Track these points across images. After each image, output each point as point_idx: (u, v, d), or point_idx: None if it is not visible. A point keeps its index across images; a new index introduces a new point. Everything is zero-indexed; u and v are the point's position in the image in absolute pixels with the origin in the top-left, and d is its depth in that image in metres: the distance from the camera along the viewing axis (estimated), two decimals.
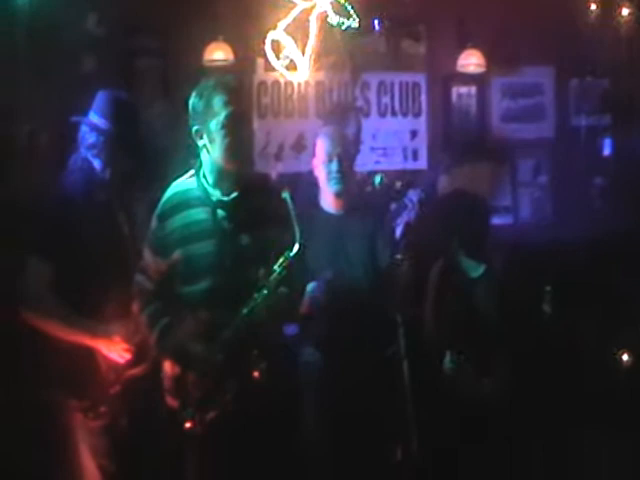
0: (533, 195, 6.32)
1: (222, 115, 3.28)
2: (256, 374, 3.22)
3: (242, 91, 3.50)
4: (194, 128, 3.35)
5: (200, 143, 3.36)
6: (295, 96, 5.96)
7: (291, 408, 3.53)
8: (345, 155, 4.15)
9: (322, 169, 4.15)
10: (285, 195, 3.29)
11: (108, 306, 3.57)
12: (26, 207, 3.86)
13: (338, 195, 4.12)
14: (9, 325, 3.66)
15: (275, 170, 5.74)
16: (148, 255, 3.48)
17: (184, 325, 3.35)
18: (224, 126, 3.28)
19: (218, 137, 3.30)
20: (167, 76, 5.64)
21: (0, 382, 3.96)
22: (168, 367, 3.43)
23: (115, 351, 3.56)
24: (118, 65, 5.38)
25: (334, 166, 4.09)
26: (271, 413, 3.29)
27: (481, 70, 6.11)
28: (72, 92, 4.62)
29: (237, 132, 3.31)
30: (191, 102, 3.36)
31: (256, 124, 5.81)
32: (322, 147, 4.18)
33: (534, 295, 4.55)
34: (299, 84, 5.88)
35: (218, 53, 5.65)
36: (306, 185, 4.48)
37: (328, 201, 4.18)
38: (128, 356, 3.57)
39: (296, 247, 3.24)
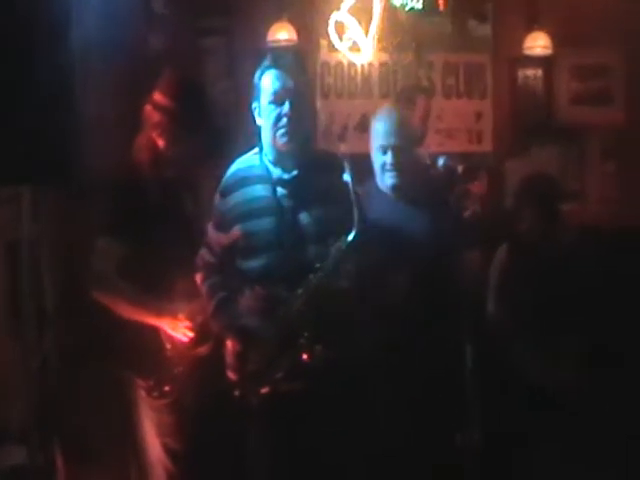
0: (602, 179, 6.16)
1: (271, 90, 3.27)
2: (305, 356, 3.19)
3: (297, 68, 3.43)
4: (253, 105, 3.38)
5: (258, 121, 3.38)
6: (358, 77, 5.91)
7: (352, 394, 3.42)
8: (404, 145, 3.93)
9: (375, 157, 3.98)
10: (347, 177, 3.22)
11: (173, 285, 3.59)
12: (95, 189, 3.85)
13: (393, 188, 3.96)
14: (83, 304, 3.66)
15: (339, 150, 5.52)
16: (211, 229, 3.51)
17: (241, 299, 3.37)
18: (272, 102, 3.28)
19: (266, 113, 3.31)
20: (232, 56, 5.61)
21: (76, 359, 4.00)
22: (230, 343, 3.45)
23: (179, 330, 3.57)
24: (184, 44, 5.38)
25: (389, 158, 3.92)
26: (327, 395, 3.28)
27: (548, 52, 5.98)
28: (138, 71, 4.63)
29: (287, 109, 3.28)
30: (254, 80, 3.39)
31: (319, 104, 5.80)
32: (376, 133, 3.98)
33: (604, 280, 4.44)
34: (362, 65, 5.85)
35: (282, 33, 5.63)
36: None
37: (385, 187, 4.01)
38: (192, 335, 3.57)
39: (353, 233, 3.18)
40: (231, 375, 3.43)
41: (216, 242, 3.48)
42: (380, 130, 3.95)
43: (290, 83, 3.31)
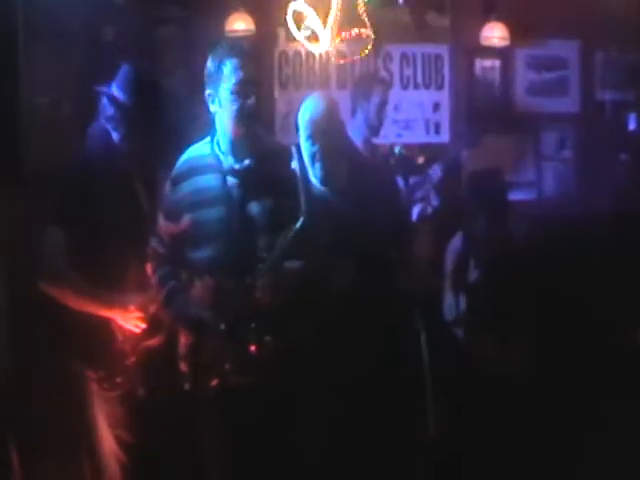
0: (557, 170, 6.22)
1: (232, 80, 3.27)
2: (253, 348, 3.18)
3: (255, 57, 3.43)
4: (207, 92, 3.34)
5: (212, 108, 3.35)
6: (316, 67, 5.91)
7: (298, 386, 3.43)
8: (333, 133, 3.88)
9: (304, 148, 3.88)
10: (294, 165, 3.23)
11: (124, 277, 3.55)
12: (47, 177, 3.81)
13: (323, 180, 3.89)
14: (33, 296, 3.61)
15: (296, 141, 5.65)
16: (161, 219, 3.50)
17: (191, 289, 3.37)
18: (233, 92, 3.27)
19: (227, 102, 3.29)
20: (189, 46, 5.57)
21: (27, 353, 3.96)
22: (183, 335, 3.43)
23: (130, 321, 3.53)
24: (140, 34, 5.30)
25: (317, 148, 3.87)
26: (274, 388, 3.28)
27: (505, 43, 6.02)
28: (93, 61, 4.59)
29: (247, 98, 3.28)
30: (207, 65, 3.35)
31: (277, 94, 5.83)
32: (304, 123, 3.92)
33: (556, 270, 4.47)
34: (320, 55, 5.74)
35: (239, 23, 5.61)
36: None
37: (316, 178, 3.92)
38: (143, 326, 3.54)
39: (300, 222, 3.17)
40: (183, 367, 3.42)
41: (166, 231, 3.47)
42: (307, 119, 3.92)
43: (253, 74, 3.32)
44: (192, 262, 3.40)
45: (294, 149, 3.27)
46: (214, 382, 3.26)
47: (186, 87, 5.33)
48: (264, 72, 5.60)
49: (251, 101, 3.30)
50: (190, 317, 3.34)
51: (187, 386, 3.35)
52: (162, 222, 3.48)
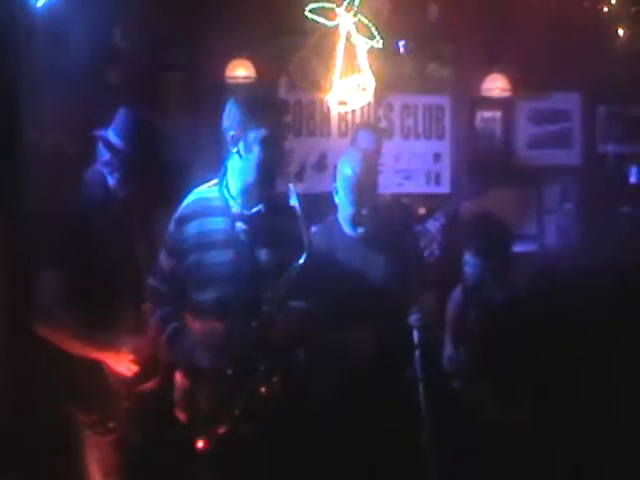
0: (559, 222, 6.23)
1: (265, 130, 3.25)
2: (263, 390, 3.14)
3: (283, 109, 3.46)
4: (230, 133, 3.29)
5: (234, 150, 3.30)
6: (317, 115, 5.97)
7: (307, 430, 3.39)
8: (369, 186, 3.90)
9: (346, 208, 3.90)
10: (294, 202, 3.23)
11: (117, 319, 3.51)
12: (40, 219, 3.80)
13: (354, 221, 3.90)
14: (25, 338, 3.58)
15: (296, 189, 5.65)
16: (163, 257, 3.45)
17: (194, 332, 3.33)
18: (265, 140, 3.25)
19: (256, 149, 3.26)
20: (191, 91, 5.61)
21: (20, 396, 3.90)
22: (179, 379, 3.38)
23: (123, 364, 3.48)
24: (143, 79, 5.36)
25: (352, 198, 3.86)
26: (284, 431, 3.21)
27: (506, 94, 6.07)
28: (98, 105, 4.58)
29: (275, 150, 3.29)
30: (230, 107, 3.32)
31: None
32: (343, 176, 3.92)
33: (559, 323, 4.45)
34: (321, 103, 5.84)
35: (240, 70, 5.65)
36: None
37: (346, 223, 3.95)
38: (136, 369, 3.48)
39: (303, 257, 3.16)
40: (180, 414, 3.35)
41: (169, 271, 3.43)
42: (346, 172, 3.89)
43: (282, 125, 3.39)
44: (196, 304, 3.36)
45: (291, 187, 3.27)
46: (222, 430, 3.18)
47: (188, 133, 5.31)
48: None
49: (279, 153, 3.33)
50: (195, 361, 3.28)
51: (188, 434, 3.27)
52: (165, 260, 3.44)
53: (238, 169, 3.33)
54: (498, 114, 6.27)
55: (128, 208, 3.64)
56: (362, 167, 3.88)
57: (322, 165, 5.95)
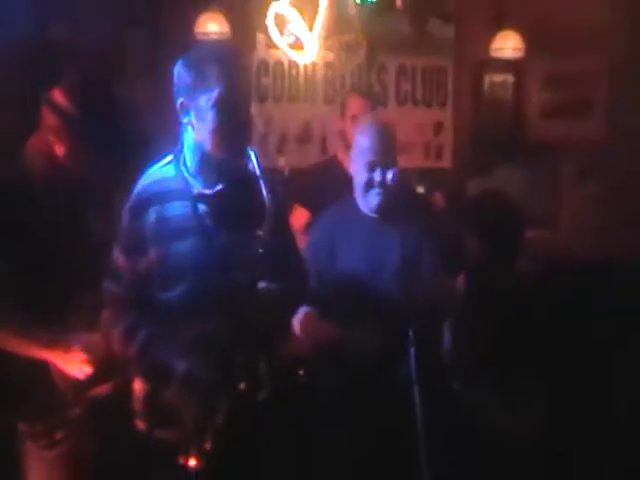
0: (577, 204, 6.24)
1: (216, 90, 3.18)
2: (242, 386, 3.13)
3: (242, 64, 3.43)
4: (179, 100, 3.24)
5: (185, 120, 3.26)
6: (301, 79, 5.98)
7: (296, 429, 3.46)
8: (391, 160, 4.05)
9: (359, 175, 4.06)
10: (254, 168, 3.16)
11: (67, 312, 3.48)
12: None
13: (378, 207, 4.05)
14: None
15: (276, 163, 5.75)
16: (119, 255, 3.37)
17: (167, 337, 3.27)
18: (217, 103, 3.19)
19: (209, 115, 3.20)
20: (153, 50, 5.58)
21: None
22: (138, 386, 3.34)
23: (74, 365, 3.46)
24: (96, 36, 5.23)
25: (377, 176, 4.01)
26: (272, 433, 3.25)
27: (518, 55, 6.09)
28: (43, 64, 4.56)
29: (233, 112, 3.21)
30: (178, 70, 3.25)
31: (255, 109, 5.66)
32: (362, 149, 4.08)
33: (575, 317, 4.48)
34: (305, 65, 5.90)
35: (212, 25, 5.63)
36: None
37: (365, 205, 4.09)
38: (89, 371, 3.48)
39: (262, 231, 3.16)
40: (141, 424, 3.31)
41: (128, 269, 3.34)
42: (367, 145, 4.02)
43: (240, 83, 3.26)
44: (163, 305, 3.31)
45: (250, 151, 3.20)
46: (208, 445, 3.15)
47: (150, 99, 5.29)
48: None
49: (239, 116, 3.24)
50: (171, 371, 3.22)
51: (190, 462, 3.20)
52: (122, 259, 3.35)
53: (192, 142, 3.30)
54: (509, 78, 6.33)
55: (79, 185, 3.62)
56: (383, 139, 4.04)
57: (306, 136, 5.99)
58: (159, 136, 4.21)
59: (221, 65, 3.22)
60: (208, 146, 3.26)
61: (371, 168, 3.99)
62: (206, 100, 3.19)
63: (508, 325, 4.15)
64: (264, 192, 3.16)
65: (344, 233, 4.05)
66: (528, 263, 4.55)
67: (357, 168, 4.06)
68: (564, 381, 4.19)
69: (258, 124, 5.81)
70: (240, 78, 3.28)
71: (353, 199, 4.13)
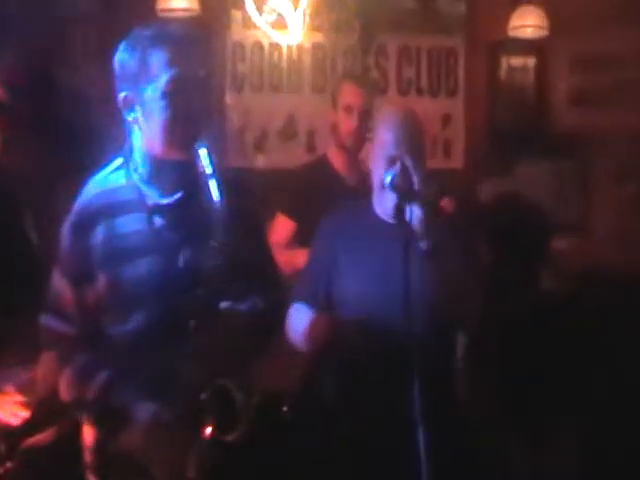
0: (615, 208, 6.18)
1: (163, 78, 3.12)
2: (208, 432, 3.07)
3: (196, 46, 3.34)
4: (122, 94, 3.18)
5: (130, 117, 3.21)
6: (284, 64, 5.97)
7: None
8: (417, 155, 3.97)
9: (378, 171, 3.99)
10: (208, 168, 3.07)
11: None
12: None
13: (396, 208, 3.94)
14: None
15: (254, 163, 5.80)
16: (61, 282, 3.31)
17: (127, 377, 3.21)
18: (166, 94, 3.12)
19: (156, 109, 3.15)
20: (104, 31, 5.49)
21: None
22: (88, 433, 3.30)
23: (6, 408, 3.44)
24: (38, 14, 5.14)
25: (397, 170, 3.92)
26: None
27: (542, 34, 6.05)
28: None
29: (186, 104, 3.14)
30: (119, 56, 3.18)
31: (229, 100, 5.84)
32: (383, 142, 4.02)
33: (613, 343, 4.47)
34: (289, 48, 5.92)
35: (177, 1, 5.61)
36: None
37: (382, 208, 4.05)
38: (25, 415, 3.45)
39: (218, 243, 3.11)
40: (92, 479, 3.27)
41: (74, 301, 3.28)
42: (388, 137, 3.98)
43: (192, 68, 3.19)
44: (120, 339, 3.26)
45: (201, 148, 3.09)
46: None
47: (99, 88, 5.26)
48: (211, 70, 5.48)
49: (194, 108, 3.17)
50: (143, 413, 3.17)
51: None
52: (64, 287, 3.29)
53: (141, 144, 3.24)
54: (530, 61, 6.29)
55: (11, 186, 3.62)
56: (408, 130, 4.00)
57: (290, 131, 5.96)
58: (110, 133, 4.20)
59: (171, 47, 3.15)
60: (160, 148, 3.20)
61: (392, 164, 3.95)
62: (154, 91, 3.13)
63: (531, 353, 4.20)
64: (214, 193, 3.08)
65: (354, 244, 4.00)
66: (555, 279, 4.62)
67: (376, 163, 4.01)
68: (601, 424, 4.22)
69: (233, 118, 5.86)
70: (196, 63, 3.21)
71: (368, 203, 4.11)
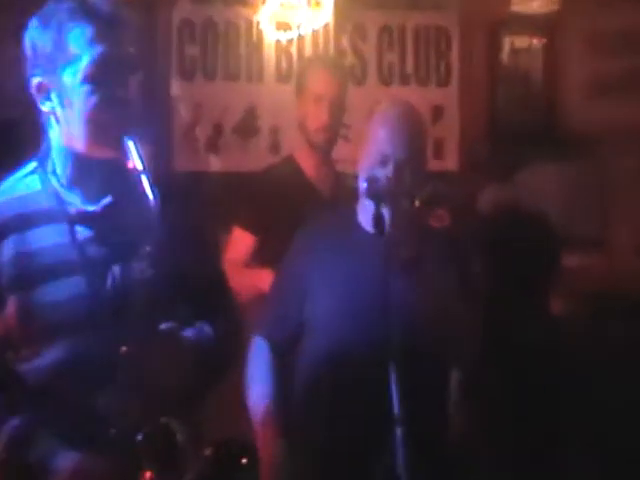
0: (639, 218, 6.12)
1: (85, 59, 3.06)
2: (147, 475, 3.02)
3: (126, 20, 3.25)
4: (35, 80, 3.10)
5: (46, 108, 3.13)
6: (242, 47, 5.95)
7: None
8: (413, 156, 4.02)
9: (367, 173, 3.99)
10: (138, 165, 3.04)
11: None
12: None
13: (375, 225, 3.91)
14: None
15: (207, 166, 5.79)
16: None
17: (43, 425, 3.15)
18: (89, 78, 3.06)
19: (77, 97, 3.08)
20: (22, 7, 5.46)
21: None
22: None
23: None
24: None
25: (389, 172, 3.93)
26: None
27: (551, 9, 6.05)
28: None
29: (113, 90, 3.09)
30: (30, 34, 3.11)
31: (176, 89, 5.84)
32: (376, 138, 4.05)
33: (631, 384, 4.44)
34: (249, 26, 5.90)
35: None
36: None
37: (368, 218, 4.01)
38: None
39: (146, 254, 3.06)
40: None
41: None
42: (381, 134, 4.01)
43: (121, 46, 3.13)
44: (35, 379, 3.18)
45: (129, 141, 3.05)
46: None
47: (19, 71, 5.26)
48: (153, 53, 5.67)
49: (124, 95, 3.13)
50: (64, 468, 3.09)
51: None
52: None
53: (60, 140, 3.17)
54: (537, 42, 6.28)
55: None
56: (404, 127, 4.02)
57: (250, 127, 5.94)
58: (22, 128, 4.11)
59: (95, 21, 3.07)
60: (82, 144, 3.13)
61: (384, 164, 3.96)
62: (73, 75, 3.06)
63: (541, 388, 4.20)
64: (147, 192, 3.00)
65: (334, 260, 4.02)
66: (568, 301, 4.62)
67: (366, 164, 4.01)
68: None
69: (181, 111, 5.85)
70: (119, 40, 3.13)
71: (351, 212, 4.13)
